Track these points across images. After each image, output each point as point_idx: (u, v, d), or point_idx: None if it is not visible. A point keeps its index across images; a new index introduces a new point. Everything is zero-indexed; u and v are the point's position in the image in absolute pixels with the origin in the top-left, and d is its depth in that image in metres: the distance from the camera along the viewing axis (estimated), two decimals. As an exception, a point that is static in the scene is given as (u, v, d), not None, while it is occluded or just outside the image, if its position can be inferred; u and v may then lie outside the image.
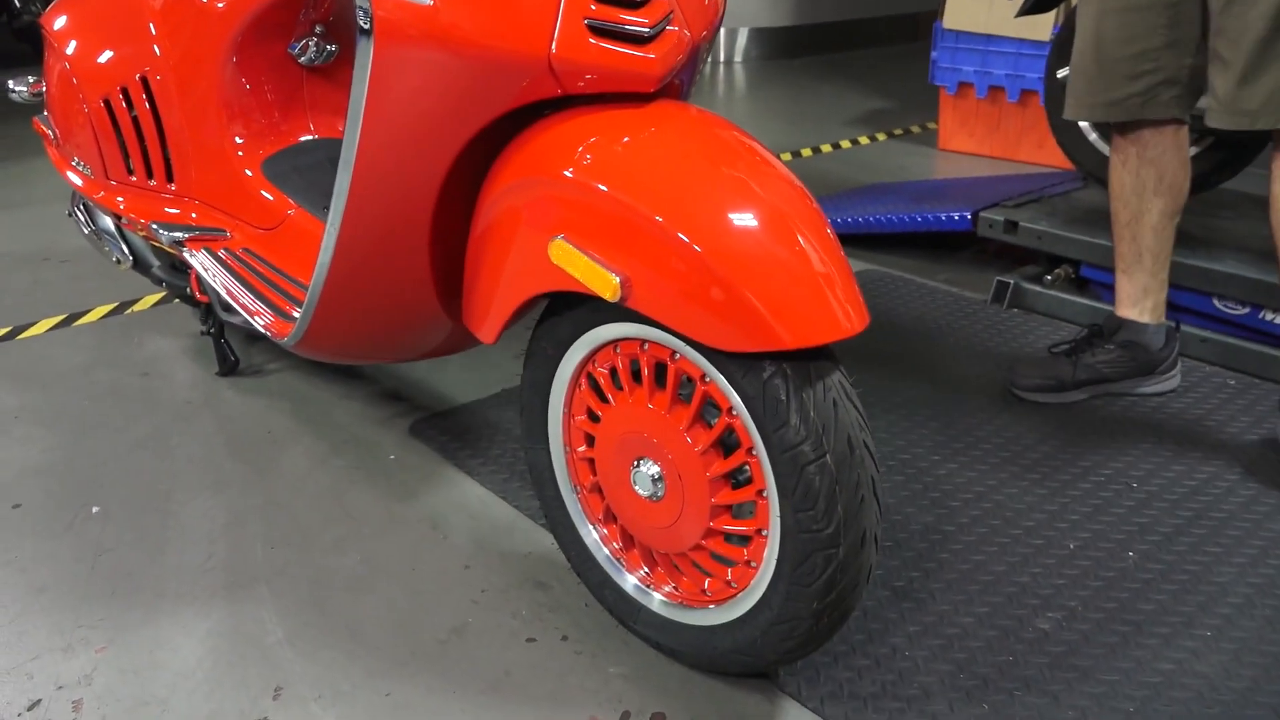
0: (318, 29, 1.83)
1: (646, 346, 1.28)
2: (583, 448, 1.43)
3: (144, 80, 1.87)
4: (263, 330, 1.71)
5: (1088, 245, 2.45)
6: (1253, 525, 1.68)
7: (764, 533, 1.23)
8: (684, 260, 1.12)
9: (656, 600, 1.38)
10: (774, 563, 1.21)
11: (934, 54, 3.80)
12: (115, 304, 2.60)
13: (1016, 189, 2.85)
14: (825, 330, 1.11)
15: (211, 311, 2.07)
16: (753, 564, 1.26)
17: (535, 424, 1.45)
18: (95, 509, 1.76)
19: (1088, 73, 1.90)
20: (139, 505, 1.77)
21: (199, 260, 1.85)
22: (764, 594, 1.24)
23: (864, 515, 1.16)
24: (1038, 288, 2.51)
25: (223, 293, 1.79)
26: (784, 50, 5.97)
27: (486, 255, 1.35)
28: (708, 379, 1.22)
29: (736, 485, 1.26)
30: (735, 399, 1.18)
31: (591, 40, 1.21)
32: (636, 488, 1.33)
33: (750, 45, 5.94)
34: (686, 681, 1.38)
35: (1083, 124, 2.72)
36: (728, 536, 1.29)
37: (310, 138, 1.92)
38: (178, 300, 2.46)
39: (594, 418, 1.39)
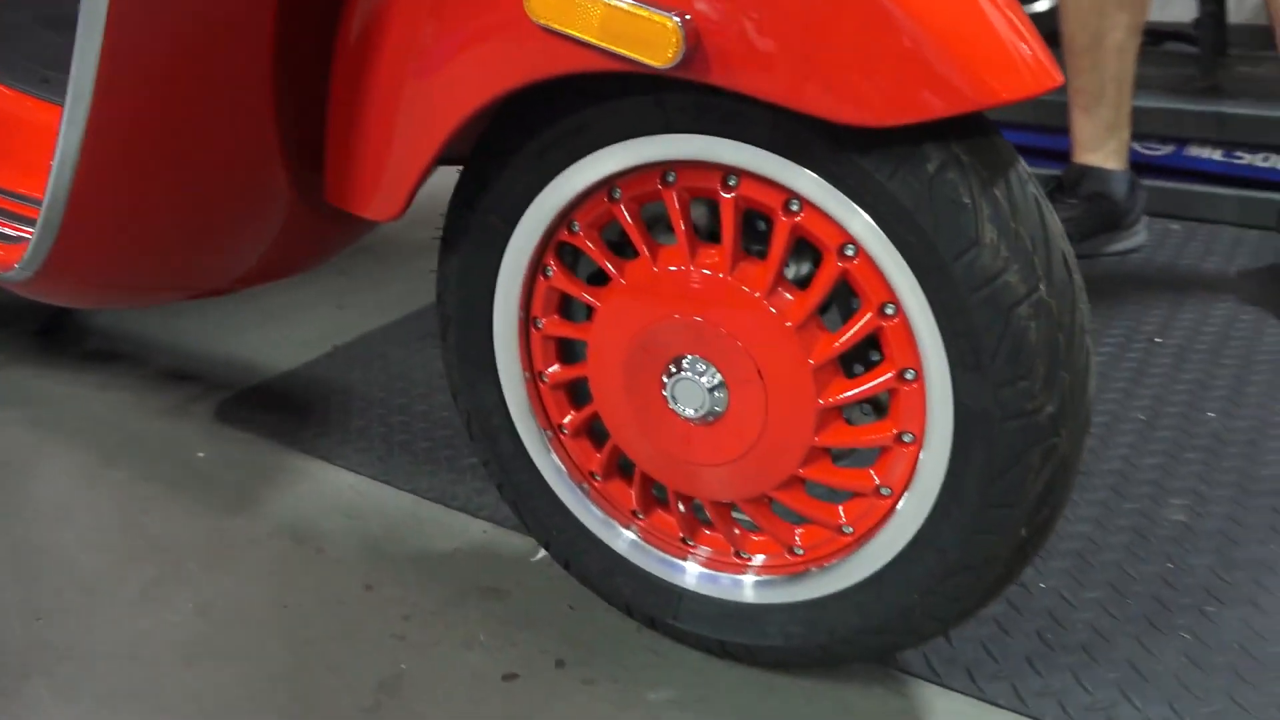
0: None
1: (674, 177, 0.79)
2: (556, 368, 0.92)
3: None
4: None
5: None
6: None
7: (906, 438, 0.78)
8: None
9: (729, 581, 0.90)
10: (940, 481, 0.77)
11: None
12: None
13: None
14: (1013, 82, 0.68)
15: None
16: (885, 490, 0.81)
17: (472, 346, 0.93)
18: None
19: None
20: None
21: None
22: (919, 532, 0.79)
23: (1089, 378, 0.74)
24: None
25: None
26: None
27: (379, 62, 0.81)
28: (795, 207, 0.76)
29: (852, 373, 0.80)
30: (862, 224, 0.72)
31: None
32: (678, 406, 0.84)
33: None
34: (768, 692, 0.92)
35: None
36: (837, 457, 0.83)
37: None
38: None
39: (575, 314, 0.89)
